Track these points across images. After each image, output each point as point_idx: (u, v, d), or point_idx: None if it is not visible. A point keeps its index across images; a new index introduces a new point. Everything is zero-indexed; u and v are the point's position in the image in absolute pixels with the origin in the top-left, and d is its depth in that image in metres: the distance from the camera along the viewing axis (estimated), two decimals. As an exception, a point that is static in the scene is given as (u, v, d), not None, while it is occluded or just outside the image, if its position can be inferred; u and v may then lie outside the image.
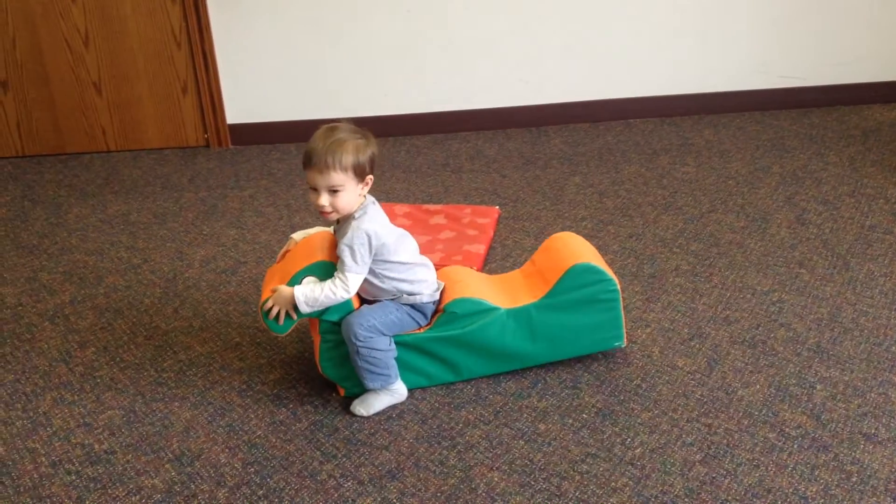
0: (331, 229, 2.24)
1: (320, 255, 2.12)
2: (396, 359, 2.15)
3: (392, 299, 2.16)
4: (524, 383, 2.25)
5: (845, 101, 4.11)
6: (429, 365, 2.22)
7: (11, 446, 2.10)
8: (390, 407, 2.17)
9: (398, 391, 2.17)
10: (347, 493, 1.91)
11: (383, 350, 2.11)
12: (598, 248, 2.60)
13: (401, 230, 2.19)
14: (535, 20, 3.84)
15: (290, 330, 2.15)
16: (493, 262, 2.88)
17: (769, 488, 1.87)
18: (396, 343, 2.15)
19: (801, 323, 2.46)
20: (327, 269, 2.10)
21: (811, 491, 1.86)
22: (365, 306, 2.16)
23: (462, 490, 1.91)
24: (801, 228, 3.00)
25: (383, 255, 2.09)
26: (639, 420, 2.10)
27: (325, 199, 2.03)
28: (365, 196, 2.11)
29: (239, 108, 3.91)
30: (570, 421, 2.11)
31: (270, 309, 2.10)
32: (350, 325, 2.08)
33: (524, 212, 3.23)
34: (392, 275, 2.13)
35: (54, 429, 2.15)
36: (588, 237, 2.69)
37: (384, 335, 2.11)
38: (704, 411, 2.12)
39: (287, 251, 2.26)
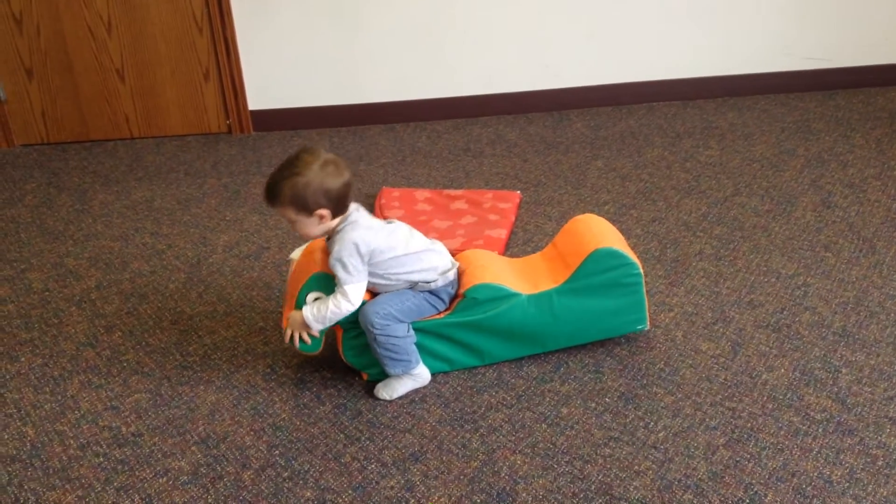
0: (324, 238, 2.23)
1: (315, 268, 2.13)
2: (417, 344, 2.16)
3: (409, 288, 2.16)
4: (546, 367, 2.25)
5: (871, 83, 4.05)
6: (450, 350, 2.22)
7: (41, 429, 2.13)
8: (413, 391, 2.18)
9: (421, 375, 2.18)
10: (371, 476, 1.93)
11: (401, 337, 2.11)
12: (621, 233, 2.59)
13: (393, 224, 2.16)
14: (556, 3, 3.81)
15: (321, 346, 2.17)
16: (515, 247, 2.88)
17: (794, 472, 1.87)
18: (416, 329, 2.16)
19: (826, 306, 2.44)
20: (322, 279, 2.11)
21: (836, 475, 1.85)
22: (382, 294, 2.16)
23: (485, 473, 1.92)
24: (826, 212, 2.97)
25: (378, 256, 2.08)
26: (662, 404, 2.09)
27: (291, 226, 2.10)
28: (347, 209, 2.08)
29: (260, 94, 3.92)
30: (593, 405, 2.11)
31: (293, 336, 2.13)
32: (367, 314, 2.09)
33: (546, 196, 3.22)
34: (397, 271, 2.12)
35: (82, 412, 2.18)
36: (611, 221, 2.68)
37: (402, 322, 2.12)
38: (728, 395, 2.11)
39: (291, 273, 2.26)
